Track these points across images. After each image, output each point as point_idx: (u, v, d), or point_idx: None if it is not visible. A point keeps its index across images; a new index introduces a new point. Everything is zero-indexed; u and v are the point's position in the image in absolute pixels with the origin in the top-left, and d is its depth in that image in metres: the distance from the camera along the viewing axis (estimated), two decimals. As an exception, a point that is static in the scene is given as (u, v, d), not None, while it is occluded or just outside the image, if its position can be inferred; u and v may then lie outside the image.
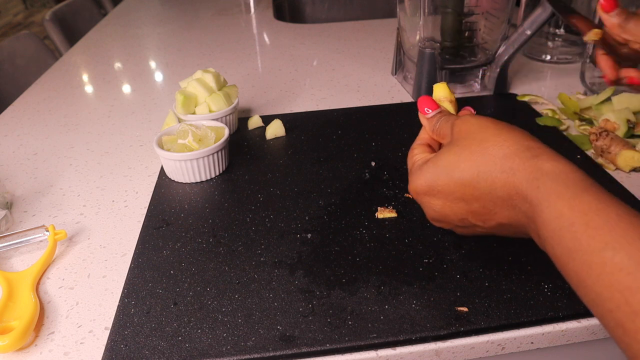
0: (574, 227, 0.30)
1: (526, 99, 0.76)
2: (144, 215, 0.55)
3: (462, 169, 0.38)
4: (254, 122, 0.73)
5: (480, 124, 0.40)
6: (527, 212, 0.35)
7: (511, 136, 0.37)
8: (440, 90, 0.50)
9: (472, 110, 0.47)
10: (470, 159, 0.38)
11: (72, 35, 1.46)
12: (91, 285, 0.47)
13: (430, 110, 0.47)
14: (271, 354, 0.38)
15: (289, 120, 0.73)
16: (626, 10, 0.48)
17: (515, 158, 0.36)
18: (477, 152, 0.38)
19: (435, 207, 0.42)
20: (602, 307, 0.28)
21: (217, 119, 0.66)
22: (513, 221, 0.37)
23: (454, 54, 0.80)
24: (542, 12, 0.69)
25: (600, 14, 0.50)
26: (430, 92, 0.78)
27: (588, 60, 0.77)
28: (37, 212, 0.58)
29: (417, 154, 0.46)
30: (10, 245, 0.51)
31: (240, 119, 0.75)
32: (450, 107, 0.49)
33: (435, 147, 0.47)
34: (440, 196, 0.41)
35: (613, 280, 0.27)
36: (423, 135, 0.48)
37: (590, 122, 0.68)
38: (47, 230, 0.51)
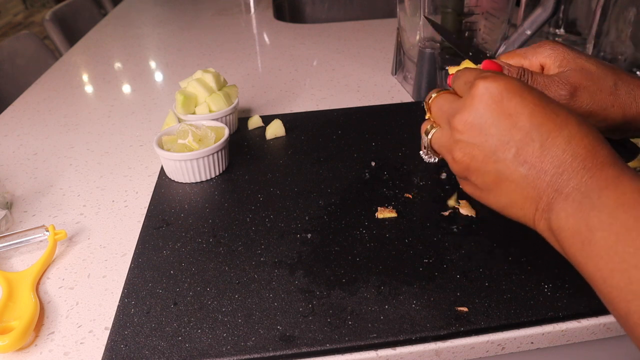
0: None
1: (526, 99, 0.76)
2: (144, 215, 0.55)
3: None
4: (254, 122, 0.73)
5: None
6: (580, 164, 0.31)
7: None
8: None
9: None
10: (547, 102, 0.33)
11: (72, 35, 1.46)
12: (91, 285, 0.47)
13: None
14: (271, 354, 0.38)
15: (289, 120, 0.73)
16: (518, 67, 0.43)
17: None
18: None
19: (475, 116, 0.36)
20: None
21: (217, 119, 0.66)
22: (519, 213, 0.34)
23: (454, 54, 0.80)
24: (542, 12, 0.69)
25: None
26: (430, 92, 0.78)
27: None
28: (37, 212, 0.58)
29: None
30: (10, 245, 0.51)
31: (240, 119, 0.75)
32: None
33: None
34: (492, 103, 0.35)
35: None
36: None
37: (590, 122, 0.68)
38: (47, 230, 0.51)
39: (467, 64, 0.46)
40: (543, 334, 0.40)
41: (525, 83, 0.35)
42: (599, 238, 0.28)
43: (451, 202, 0.54)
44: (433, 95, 0.40)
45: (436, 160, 0.44)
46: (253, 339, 0.39)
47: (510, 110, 0.33)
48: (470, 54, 0.48)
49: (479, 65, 0.44)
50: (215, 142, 0.60)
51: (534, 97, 0.33)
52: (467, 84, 0.37)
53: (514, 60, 0.43)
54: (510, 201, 0.34)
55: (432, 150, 0.41)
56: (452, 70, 0.46)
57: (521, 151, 0.33)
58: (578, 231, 0.30)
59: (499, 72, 0.38)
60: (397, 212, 0.52)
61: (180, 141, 0.59)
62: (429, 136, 0.40)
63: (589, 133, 0.32)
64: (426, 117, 0.43)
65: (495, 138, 0.34)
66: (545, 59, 0.42)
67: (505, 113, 0.33)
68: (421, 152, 0.53)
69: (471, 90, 0.35)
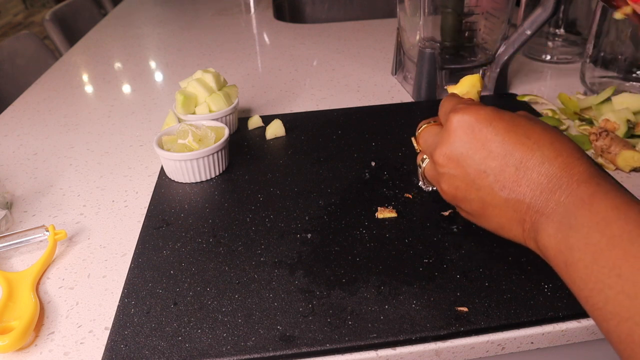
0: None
1: (526, 99, 0.76)
2: (144, 215, 0.55)
3: (523, 124, 0.35)
4: (254, 122, 0.73)
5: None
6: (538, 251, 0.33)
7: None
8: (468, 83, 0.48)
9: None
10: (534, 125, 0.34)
11: (72, 35, 1.46)
12: (91, 285, 0.47)
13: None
14: (271, 354, 0.38)
15: (289, 120, 0.73)
16: None
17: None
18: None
19: (466, 143, 0.37)
20: None
21: (217, 119, 0.66)
22: (509, 233, 0.36)
23: (454, 54, 0.80)
24: (542, 12, 0.69)
25: (636, 6, 0.43)
26: (430, 92, 0.78)
27: (588, 60, 0.77)
28: (37, 212, 0.58)
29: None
30: (10, 245, 0.51)
31: (240, 119, 0.75)
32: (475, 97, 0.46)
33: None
34: (481, 132, 0.36)
35: None
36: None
37: (590, 122, 0.68)
38: (47, 230, 0.51)
39: (466, 81, 0.46)
40: (543, 334, 0.40)
41: (498, 109, 0.36)
42: (577, 259, 0.29)
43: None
44: (420, 129, 0.41)
45: (434, 189, 0.45)
46: (253, 339, 0.39)
47: (482, 139, 0.35)
48: None
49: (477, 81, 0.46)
50: (215, 142, 0.60)
51: (504, 123, 0.34)
52: (445, 115, 0.38)
53: None
54: (499, 224, 0.36)
55: (427, 180, 0.42)
56: (450, 89, 0.46)
57: (499, 177, 0.34)
58: (560, 251, 0.30)
59: (469, 102, 0.38)
60: (397, 212, 0.52)
61: (180, 141, 0.59)
62: (422, 167, 0.42)
63: (563, 150, 0.32)
64: (417, 150, 0.44)
65: (472, 168, 0.35)
66: None
67: (479, 143, 0.35)
68: (420, 182, 0.55)
69: (446, 124, 0.37)
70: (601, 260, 0.27)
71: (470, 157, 0.35)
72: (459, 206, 0.38)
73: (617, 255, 0.27)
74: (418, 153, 0.45)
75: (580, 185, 0.30)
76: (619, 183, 0.31)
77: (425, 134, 0.41)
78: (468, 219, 0.40)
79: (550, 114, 0.71)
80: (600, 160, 0.60)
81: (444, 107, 0.39)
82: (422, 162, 0.43)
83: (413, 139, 0.45)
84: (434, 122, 0.43)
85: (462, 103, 0.38)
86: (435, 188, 0.43)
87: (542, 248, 0.32)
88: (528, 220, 0.33)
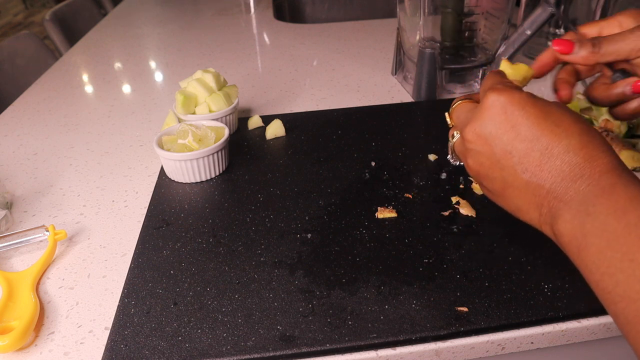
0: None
1: (526, 99, 0.76)
2: (144, 215, 0.55)
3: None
4: (254, 122, 0.73)
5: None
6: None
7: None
8: (519, 73, 0.44)
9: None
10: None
11: (72, 35, 1.46)
12: (91, 285, 0.47)
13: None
14: (271, 354, 0.38)
15: (289, 120, 0.73)
16: (586, 38, 0.42)
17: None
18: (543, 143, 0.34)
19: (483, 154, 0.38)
20: None
21: (217, 119, 0.66)
22: (530, 217, 0.36)
23: (454, 54, 0.80)
24: (542, 12, 0.69)
25: (563, 58, 0.43)
26: (430, 92, 0.78)
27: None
28: (37, 212, 0.58)
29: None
30: (10, 245, 0.51)
31: (240, 119, 0.75)
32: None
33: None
34: (512, 107, 0.37)
35: None
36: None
37: (590, 122, 0.68)
38: (47, 230, 0.51)
39: (521, 69, 0.45)
40: (543, 334, 0.40)
41: (533, 95, 0.36)
42: (591, 244, 0.30)
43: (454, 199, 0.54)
44: (455, 105, 0.42)
45: (461, 164, 0.46)
46: (253, 339, 0.39)
47: (513, 121, 0.35)
48: None
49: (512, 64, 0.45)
50: (215, 142, 0.60)
51: (536, 109, 0.35)
52: (484, 91, 0.39)
53: (590, 29, 0.45)
54: (517, 206, 0.37)
55: (455, 154, 0.43)
56: (504, 65, 0.45)
57: (523, 160, 0.35)
58: (575, 237, 0.31)
59: (509, 84, 0.39)
60: (397, 212, 0.52)
61: (180, 141, 0.59)
62: (452, 141, 0.42)
63: (589, 142, 0.33)
64: (450, 125, 0.44)
65: (499, 148, 0.36)
66: (624, 17, 0.43)
67: (509, 124, 0.36)
68: (448, 156, 0.55)
69: (482, 101, 0.38)
70: (615, 246, 0.28)
71: (498, 136, 0.36)
72: (482, 183, 0.39)
73: (632, 242, 0.28)
74: (450, 128, 0.45)
75: (602, 175, 0.31)
76: None
77: (459, 109, 0.42)
78: (487, 195, 0.40)
79: (550, 114, 0.70)
80: (600, 160, 0.60)
81: (485, 83, 0.41)
82: (453, 138, 0.43)
83: (447, 114, 0.45)
84: (469, 99, 0.43)
85: (502, 83, 0.39)
86: (462, 163, 0.43)
87: (557, 234, 0.32)
88: (546, 205, 0.34)
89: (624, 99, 0.44)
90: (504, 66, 0.44)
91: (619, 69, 0.44)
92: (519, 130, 0.35)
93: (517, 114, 0.35)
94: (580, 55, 0.42)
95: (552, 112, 0.35)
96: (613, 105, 0.45)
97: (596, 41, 0.41)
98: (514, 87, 0.37)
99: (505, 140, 0.36)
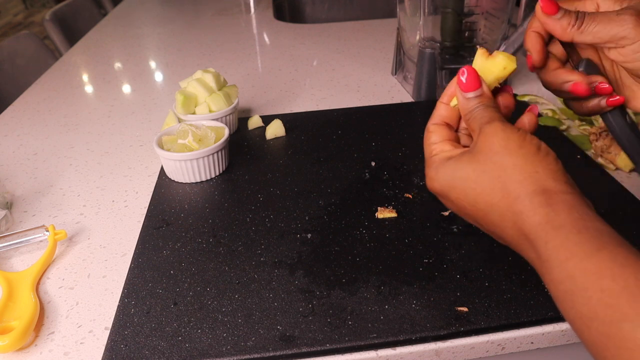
0: (588, 293, 0.27)
1: (526, 99, 0.76)
2: (144, 215, 0.55)
3: (477, 192, 0.35)
4: (254, 122, 0.73)
5: (506, 145, 0.34)
6: (535, 262, 0.32)
7: (531, 171, 0.32)
8: (495, 66, 0.38)
9: (534, 115, 0.38)
10: (487, 185, 0.34)
11: (72, 35, 1.46)
12: (91, 285, 0.47)
13: (470, 92, 0.38)
14: (271, 354, 0.38)
15: (289, 120, 0.73)
16: (574, 11, 0.37)
17: (526, 202, 0.31)
18: (495, 179, 0.34)
19: (449, 206, 0.39)
20: None
21: (217, 119, 0.66)
22: (522, 254, 0.35)
23: (454, 54, 0.80)
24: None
25: (544, 22, 0.38)
26: (430, 92, 0.78)
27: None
28: (37, 212, 0.58)
29: (435, 143, 0.40)
30: (10, 245, 0.51)
31: (240, 119, 0.75)
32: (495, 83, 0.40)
33: (455, 124, 0.41)
34: (453, 203, 0.38)
35: (635, 357, 0.24)
36: (441, 112, 0.41)
37: (590, 122, 0.68)
38: (47, 230, 0.51)
39: (480, 54, 0.40)
40: (543, 334, 0.40)
41: (452, 178, 0.37)
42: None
43: None
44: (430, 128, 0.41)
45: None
46: (253, 339, 0.39)
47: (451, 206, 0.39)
48: None
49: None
50: (215, 142, 0.60)
51: (451, 205, 0.38)
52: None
53: (569, 4, 0.40)
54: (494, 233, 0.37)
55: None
56: (479, 57, 0.40)
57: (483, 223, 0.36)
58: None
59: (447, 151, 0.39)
60: (397, 212, 0.52)
61: (180, 141, 0.59)
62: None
63: (502, 221, 0.34)
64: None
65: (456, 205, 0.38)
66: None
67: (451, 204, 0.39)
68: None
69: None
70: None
71: (464, 216, 0.38)
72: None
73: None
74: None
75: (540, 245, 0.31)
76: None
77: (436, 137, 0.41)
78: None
79: (550, 114, 0.71)
80: (600, 160, 0.60)
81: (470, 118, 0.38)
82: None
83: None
84: (446, 126, 0.41)
85: (429, 161, 0.39)
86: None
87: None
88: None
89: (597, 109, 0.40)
90: (479, 59, 0.39)
91: (586, 57, 0.39)
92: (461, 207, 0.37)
93: (448, 203, 0.38)
94: (560, 24, 0.37)
95: (461, 207, 0.37)
96: (570, 98, 0.41)
97: (580, 15, 0.36)
98: (441, 166, 0.38)
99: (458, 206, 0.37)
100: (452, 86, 0.40)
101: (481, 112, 0.37)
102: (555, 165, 0.33)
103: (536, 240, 0.31)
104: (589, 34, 0.36)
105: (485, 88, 0.38)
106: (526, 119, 0.38)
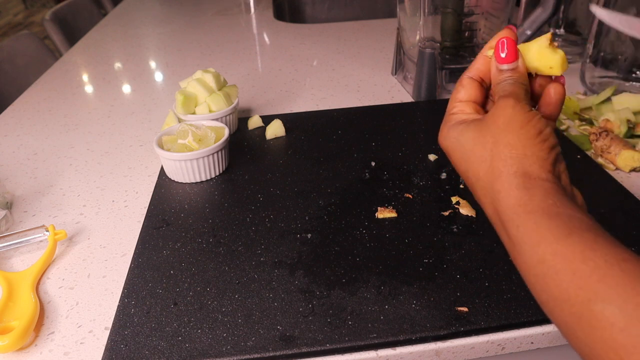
0: (559, 276, 0.27)
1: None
2: (144, 215, 0.55)
3: (470, 161, 0.35)
4: (254, 122, 0.73)
5: (509, 122, 0.34)
6: (507, 244, 0.32)
7: (520, 153, 0.32)
8: (546, 58, 0.37)
9: (561, 85, 0.37)
10: (479, 156, 0.35)
11: (72, 35, 1.46)
12: (91, 285, 0.47)
13: (505, 64, 0.37)
14: (271, 354, 0.38)
15: (289, 120, 0.73)
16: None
17: (505, 182, 0.32)
18: (486, 152, 0.34)
19: (453, 165, 0.39)
20: None
21: (217, 119, 0.66)
22: (498, 234, 0.35)
23: (454, 54, 0.80)
24: (542, 12, 0.69)
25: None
26: (430, 92, 0.78)
27: (588, 61, 0.77)
28: (37, 212, 0.58)
29: (459, 101, 0.39)
30: (10, 245, 0.51)
31: (240, 119, 0.75)
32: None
33: (489, 81, 0.40)
34: (454, 165, 0.38)
35: (606, 336, 0.25)
36: (479, 66, 0.40)
37: (590, 122, 0.68)
38: (47, 230, 0.51)
39: (543, 40, 0.38)
40: (543, 334, 0.40)
41: (458, 136, 0.37)
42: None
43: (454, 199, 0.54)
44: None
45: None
46: (253, 339, 0.39)
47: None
48: None
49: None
50: (215, 142, 0.60)
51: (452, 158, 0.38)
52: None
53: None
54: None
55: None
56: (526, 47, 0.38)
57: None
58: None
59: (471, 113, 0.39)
60: (397, 212, 0.52)
61: (180, 141, 0.59)
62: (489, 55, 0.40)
63: (487, 189, 0.34)
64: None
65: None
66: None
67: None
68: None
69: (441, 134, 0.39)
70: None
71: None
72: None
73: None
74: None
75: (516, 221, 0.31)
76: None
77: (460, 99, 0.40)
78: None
79: (550, 114, 0.70)
80: (600, 160, 0.60)
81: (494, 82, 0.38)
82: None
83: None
84: (479, 85, 0.40)
85: (447, 119, 0.39)
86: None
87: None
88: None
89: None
90: (542, 41, 0.37)
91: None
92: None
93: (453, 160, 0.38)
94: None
95: (457, 160, 0.37)
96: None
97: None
98: (462, 121, 0.37)
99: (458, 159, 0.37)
100: (494, 40, 0.39)
101: (506, 85, 0.37)
102: (546, 153, 0.33)
103: (508, 222, 0.31)
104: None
105: (520, 63, 0.37)
106: (552, 89, 0.37)
